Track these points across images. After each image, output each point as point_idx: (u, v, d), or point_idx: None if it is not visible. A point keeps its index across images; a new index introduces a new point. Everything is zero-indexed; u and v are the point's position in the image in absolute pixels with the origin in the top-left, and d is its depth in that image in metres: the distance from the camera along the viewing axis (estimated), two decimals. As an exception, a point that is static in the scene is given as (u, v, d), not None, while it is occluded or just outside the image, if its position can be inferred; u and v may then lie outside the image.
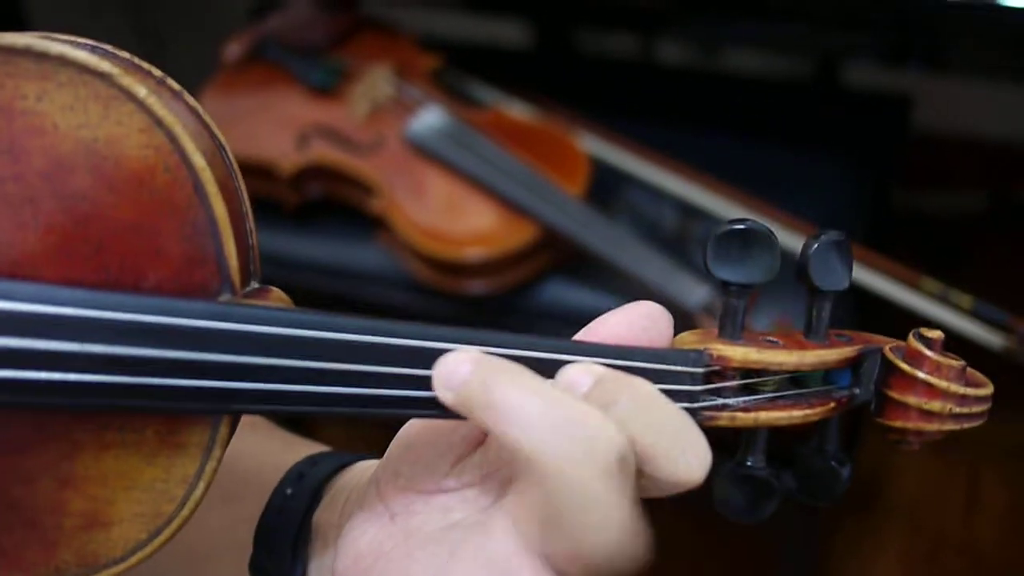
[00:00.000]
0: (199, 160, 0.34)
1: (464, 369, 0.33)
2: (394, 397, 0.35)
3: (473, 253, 1.03)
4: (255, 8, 1.38)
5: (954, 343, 0.41)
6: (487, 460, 0.38)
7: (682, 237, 1.07)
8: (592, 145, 1.15)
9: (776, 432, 0.41)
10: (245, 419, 0.54)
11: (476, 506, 0.37)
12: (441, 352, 0.34)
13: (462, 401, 0.33)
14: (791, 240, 1.01)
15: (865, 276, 1.01)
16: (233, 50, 1.21)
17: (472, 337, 0.35)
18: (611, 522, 0.31)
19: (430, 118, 1.12)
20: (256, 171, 1.10)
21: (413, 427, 0.40)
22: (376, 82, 1.17)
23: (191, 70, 0.91)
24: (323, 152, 1.11)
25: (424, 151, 1.10)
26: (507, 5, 1.41)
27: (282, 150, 1.11)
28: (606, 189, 1.11)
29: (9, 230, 0.33)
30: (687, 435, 0.33)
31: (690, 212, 1.09)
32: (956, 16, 1.04)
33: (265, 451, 0.47)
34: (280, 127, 1.13)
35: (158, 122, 0.33)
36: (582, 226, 1.03)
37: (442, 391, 0.33)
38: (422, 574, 0.35)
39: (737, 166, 1.13)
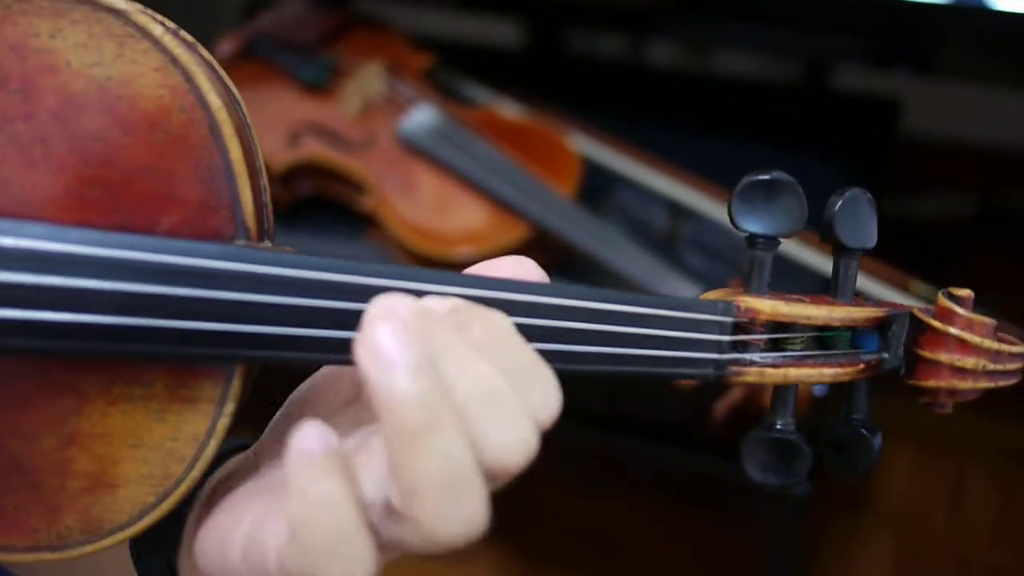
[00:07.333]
0: (215, 100, 0.32)
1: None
2: None
3: (463, 252, 1.03)
4: (247, 6, 1.38)
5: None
6: (366, 413, 0.36)
7: (672, 237, 1.07)
8: (583, 145, 1.15)
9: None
10: None
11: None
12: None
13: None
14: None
15: (854, 278, 1.01)
16: (225, 48, 1.20)
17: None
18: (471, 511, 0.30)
19: (422, 116, 1.12)
20: (247, 168, 1.09)
21: (316, 376, 0.39)
22: (368, 80, 1.17)
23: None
24: (314, 150, 1.11)
25: (415, 149, 1.10)
26: (499, 4, 1.40)
27: (273, 147, 1.11)
28: (597, 189, 1.11)
29: (19, 170, 0.32)
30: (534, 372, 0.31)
31: (680, 213, 1.09)
32: (945, 20, 1.04)
33: None
34: (271, 124, 1.13)
35: (174, 61, 0.32)
36: (572, 225, 1.03)
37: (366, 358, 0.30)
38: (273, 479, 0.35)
39: (726, 167, 1.13)
